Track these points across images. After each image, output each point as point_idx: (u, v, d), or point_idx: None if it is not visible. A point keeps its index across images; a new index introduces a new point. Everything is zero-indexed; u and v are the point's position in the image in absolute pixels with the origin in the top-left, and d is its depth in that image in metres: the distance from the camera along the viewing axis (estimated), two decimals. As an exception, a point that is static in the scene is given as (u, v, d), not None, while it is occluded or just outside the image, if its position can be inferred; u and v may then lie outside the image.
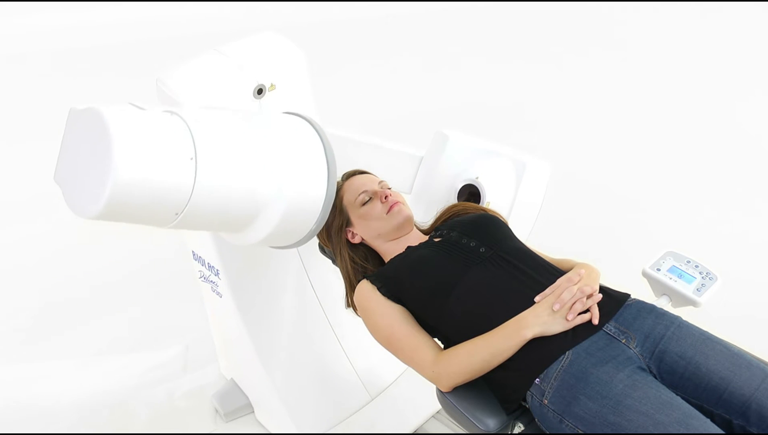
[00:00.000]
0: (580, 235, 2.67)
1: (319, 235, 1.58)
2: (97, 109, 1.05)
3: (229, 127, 1.23)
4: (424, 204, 1.61)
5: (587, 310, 1.22)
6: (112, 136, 1.01)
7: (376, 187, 1.52)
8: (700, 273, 1.43)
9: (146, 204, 1.08)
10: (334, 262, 1.61)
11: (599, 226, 2.77)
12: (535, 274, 1.31)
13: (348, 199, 1.51)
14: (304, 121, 1.37)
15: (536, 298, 1.25)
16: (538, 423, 1.20)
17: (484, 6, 5.11)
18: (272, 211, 1.24)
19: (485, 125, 3.58)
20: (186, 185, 1.11)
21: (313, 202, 1.30)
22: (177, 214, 1.13)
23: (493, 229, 1.43)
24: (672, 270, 1.44)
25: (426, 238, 1.49)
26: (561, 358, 1.17)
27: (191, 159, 1.12)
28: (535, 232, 1.69)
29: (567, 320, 1.20)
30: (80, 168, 1.09)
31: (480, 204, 1.54)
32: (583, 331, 1.20)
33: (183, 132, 1.13)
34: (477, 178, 1.54)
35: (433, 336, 1.34)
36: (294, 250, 1.73)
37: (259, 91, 1.48)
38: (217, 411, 1.96)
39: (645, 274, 1.46)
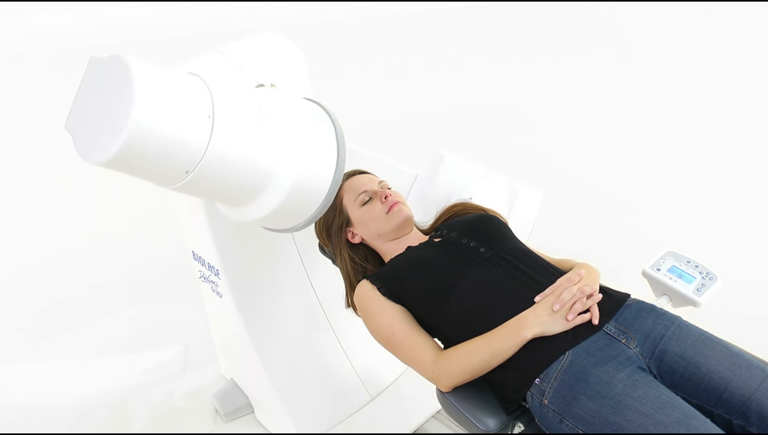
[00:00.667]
0: (581, 235, 2.67)
1: (319, 235, 1.58)
2: (121, 56, 1.05)
3: (248, 97, 1.23)
4: (415, 218, 1.63)
5: (587, 310, 1.22)
6: (134, 82, 1.01)
7: (376, 187, 1.52)
8: (700, 273, 1.43)
9: (159, 155, 1.07)
10: (334, 262, 1.61)
11: (599, 226, 2.77)
12: (535, 274, 1.31)
13: (348, 199, 1.52)
14: (319, 106, 1.37)
15: (536, 298, 1.25)
16: (538, 423, 1.20)
17: (485, 6, 5.11)
18: (279, 186, 1.23)
19: (485, 125, 3.58)
20: (200, 143, 1.11)
21: (319, 184, 1.29)
22: (187, 172, 1.12)
23: (493, 229, 1.43)
24: (672, 270, 1.44)
25: (426, 238, 1.50)
26: (561, 358, 1.17)
27: (209, 117, 1.12)
28: (535, 232, 1.69)
29: (567, 320, 1.20)
30: (96, 115, 1.07)
31: None
32: (583, 331, 1.20)
33: (203, 92, 1.13)
34: (470, 198, 1.57)
35: (433, 336, 1.34)
36: (294, 250, 1.73)
37: (259, 91, 1.48)
38: (217, 411, 1.96)
39: (645, 274, 1.46)
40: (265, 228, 1.41)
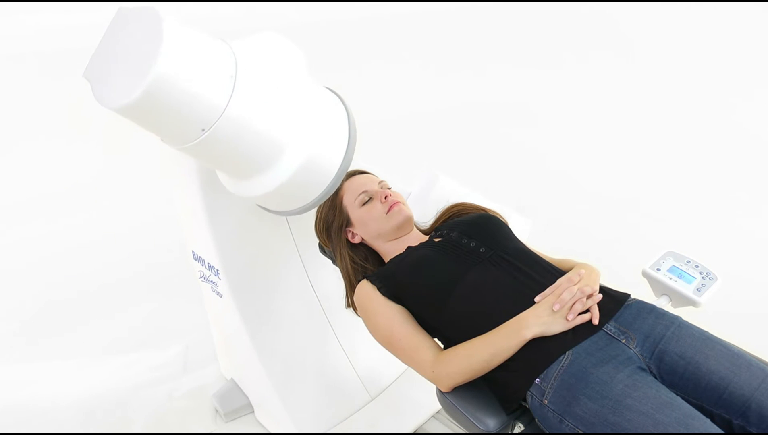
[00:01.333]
0: (581, 235, 2.67)
1: (319, 235, 1.58)
2: (152, 5, 1.06)
3: (270, 69, 1.23)
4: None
5: (587, 310, 1.22)
6: (163, 30, 1.02)
7: (376, 187, 1.52)
8: (700, 273, 1.43)
9: (178, 107, 1.07)
10: (334, 262, 1.61)
11: (599, 226, 2.77)
12: (535, 274, 1.31)
13: (348, 199, 1.52)
14: (335, 95, 1.38)
15: (536, 299, 1.25)
16: (538, 423, 1.20)
17: (485, 6, 5.11)
18: (288, 163, 1.23)
19: (485, 125, 3.58)
20: (220, 103, 1.11)
21: (327, 169, 1.29)
22: (203, 130, 1.12)
23: (494, 229, 1.43)
24: (672, 270, 1.44)
25: (426, 238, 1.50)
26: (561, 358, 1.17)
27: (231, 77, 1.12)
28: (535, 233, 1.69)
29: (567, 320, 1.20)
30: (119, 63, 1.09)
31: None
32: (583, 331, 1.20)
33: (228, 54, 1.14)
34: None
35: (433, 336, 1.34)
36: (294, 250, 1.73)
37: (259, 91, 1.48)
38: (217, 411, 1.96)
39: (645, 274, 1.46)
40: (260, 207, 1.39)
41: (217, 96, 1.11)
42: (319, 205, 1.37)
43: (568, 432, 1.13)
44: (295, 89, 1.26)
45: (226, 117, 1.12)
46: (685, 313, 1.33)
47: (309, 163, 1.24)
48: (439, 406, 1.78)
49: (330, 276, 1.75)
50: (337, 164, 1.29)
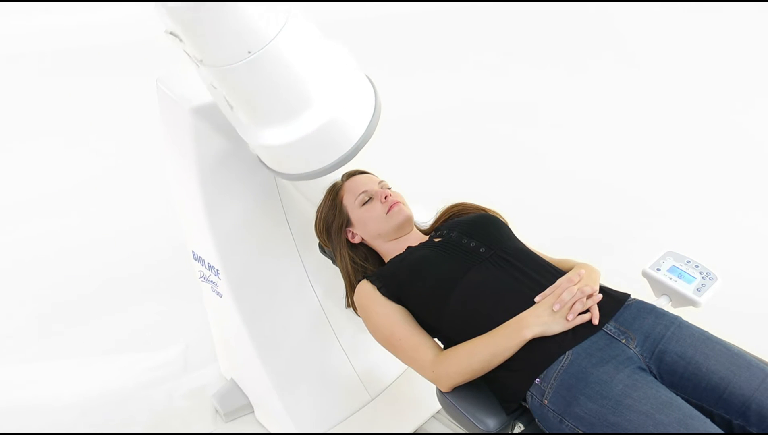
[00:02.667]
0: (581, 234, 2.67)
1: (319, 235, 1.59)
2: None
3: (315, 29, 1.24)
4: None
5: (587, 311, 1.22)
6: None
7: (376, 187, 1.52)
8: (700, 273, 1.43)
9: (232, 21, 1.07)
10: (334, 262, 1.61)
11: (599, 226, 2.77)
12: (536, 274, 1.31)
13: (348, 199, 1.52)
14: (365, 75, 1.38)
15: (536, 299, 1.25)
16: (538, 423, 1.20)
17: (485, 6, 5.11)
18: (314, 117, 1.22)
19: (485, 126, 3.58)
20: (271, 31, 1.12)
21: (350, 134, 1.28)
22: (250, 52, 1.11)
23: (493, 229, 1.43)
24: (672, 270, 1.44)
25: (426, 238, 1.50)
26: (561, 358, 1.17)
27: (286, 12, 1.13)
28: (535, 232, 1.69)
29: (567, 320, 1.20)
30: None
31: None
32: (583, 331, 1.20)
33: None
34: None
35: (434, 336, 1.34)
36: (295, 250, 1.73)
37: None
38: (217, 411, 1.96)
39: (645, 274, 1.46)
40: (270, 169, 1.35)
41: (270, 24, 1.11)
42: (330, 172, 1.33)
43: (568, 432, 1.13)
44: (334, 53, 1.26)
45: (273, 46, 1.12)
46: (685, 313, 1.33)
47: (334, 122, 1.22)
48: (439, 406, 1.78)
49: (330, 276, 1.75)
50: (358, 134, 1.27)
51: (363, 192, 1.50)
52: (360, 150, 1.30)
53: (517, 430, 1.25)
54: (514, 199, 2.63)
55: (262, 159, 1.35)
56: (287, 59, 1.15)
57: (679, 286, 1.41)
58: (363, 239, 1.52)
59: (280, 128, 1.23)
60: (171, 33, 1.13)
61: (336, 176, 1.63)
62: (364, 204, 1.50)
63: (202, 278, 1.74)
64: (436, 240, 1.44)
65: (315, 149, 1.26)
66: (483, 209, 1.56)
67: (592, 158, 3.27)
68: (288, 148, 1.25)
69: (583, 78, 4.11)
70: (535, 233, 1.69)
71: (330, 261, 1.69)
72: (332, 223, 1.52)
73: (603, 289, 1.31)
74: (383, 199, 1.48)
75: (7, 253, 2.77)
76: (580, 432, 1.11)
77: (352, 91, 1.26)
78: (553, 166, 3.20)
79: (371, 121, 1.29)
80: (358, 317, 1.45)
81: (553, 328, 1.20)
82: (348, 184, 1.54)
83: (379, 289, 1.37)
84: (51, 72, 4.45)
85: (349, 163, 1.62)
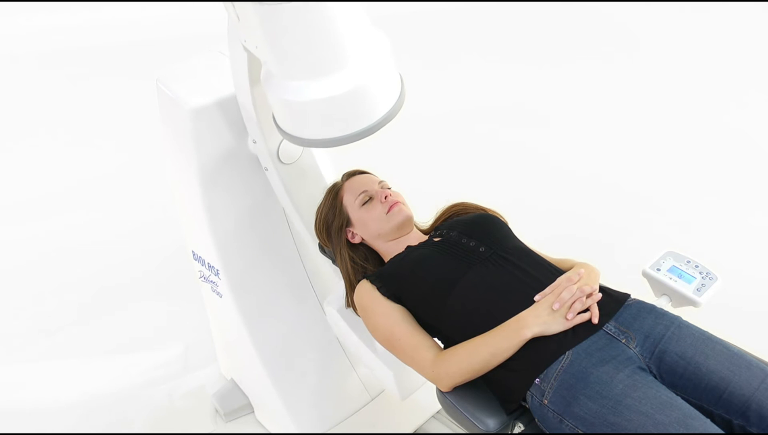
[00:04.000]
0: (580, 234, 2.67)
1: (319, 235, 1.58)
2: None
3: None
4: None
5: (587, 310, 1.22)
6: None
7: (377, 187, 1.52)
8: (700, 273, 1.43)
9: None
10: (334, 262, 1.61)
11: (599, 226, 2.77)
12: (535, 273, 1.31)
13: (348, 199, 1.52)
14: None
15: (536, 298, 1.25)
16: (538, 423, 1.20)
17: (485, 6, 5.11)
18: (346, 78, 1.18)
19: (484, 125, 3.58)
20: None
21: (372, 109, 1.24)
22: None
23: (493, 228, 1.43)
24: (672, 270, 1.44)
25: (426, 237, 1.50)
26: (561, 358, 1.17)
27: None
28: (535, 232, 1.69)
29: (567, 320, 1.20)
30: None
31: None
32: (583, 330, 1.20)
33: None
34: None
35: (433, 336, 1.34)
36: (294, 249, 1.73)
37: (259, 91, 1.48)
38: (217, 411, 1.96)
39: (645, 274, 1.46)
40: (283, 131, 1.31)
41: None
42: (345, 144, 1.28)
43: (568, 432, 1.13)
44: (374, 30, 1.24)
45: None
46: (685, 313, 1.33)
47: (362, 90, 1.19)
48: (439, 406, 1.78)
49: (330, 276, 1.75)
50: (381, 113, 1.24)
51: (363, 192, 1.50)
52: (379, 128, 1.26)
53: (517, 430, 1.25)
54: (514, 199, 2.63)
55: (280, 119, 1.30)
56: (330, 7, 1.12)
57: (679, 286, 1.41)
58: (363, 239, 1.52)
59: (309, 82, 1.19)
60: None
61: (336, 176, 1.63)
62: (364, 204, 1.50)
63: (202, 278, 1.74)
64: (436, 239, 1.44)
65: (339, 113, 1.22)
66: (483, 209, 1.56)
67: (592, 158, 3.27)
68: (312, 106, 1.20)
69: (583, 77, 4.11)
70: (534, 232, 1.69)
71: (330, 261, 1.69)
72: (332, 223, 1.52)
73: (603, 289, 1.31)
74: (383, 199, 1.48)
75: (7, 253, 2.77)
76: (580, 432, 1.11)
77: (385, 67, 1.24)
78: (553, 166, 3.19)
79: (396, 103, 1.27)
80: (358, 317, 1.45)
81: (552, 327, 1.19)
82: (348, 184, 1.54)
83: (378, 288, 1.37)
84: (51, 72, 4.44)
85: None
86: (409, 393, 1.65)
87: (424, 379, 1.44)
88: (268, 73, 1.23)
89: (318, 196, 1.57)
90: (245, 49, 1.27)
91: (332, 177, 1.64)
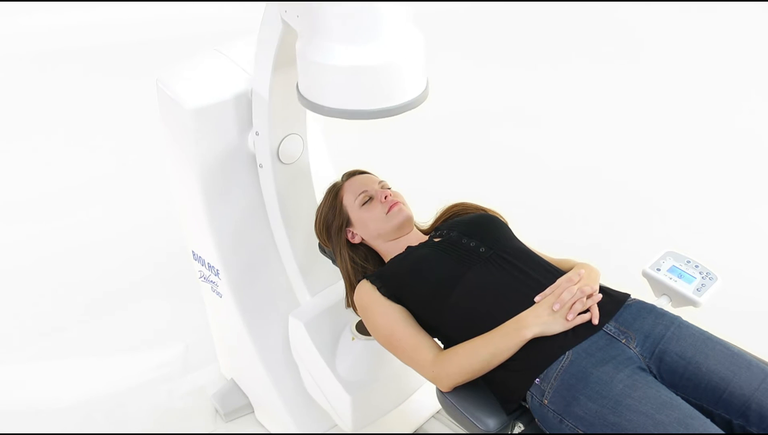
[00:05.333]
0: (580, 234, 2.67)
1: (319, 235, 1.59)
2: None
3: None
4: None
5: (587, 310, 1.22)
6: None
7: (377, 187, 1.52)
8: (700, 273, 1.43)
9: None
10: (334, 262, 1.61)
11: (599, 226, 2.77)
12: (535, 274, 1.31)
13: (348, 199, 1.52)
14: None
15: (536, 298, 1.25)
16: (538, 423, 1.20)
17: (485, 6, 5.11)
18: (380, 51, 1.18)
19: (485, 125, 3.58)
20: None
21: (395, 91, 1.22)
22: None
23: (493, 228, 1.43)
24: (672, 270, 1.44)
25: (426, 238, 1.50)
26: (561, 358, 1.17)
27: None
28: (535, 232, 1.69)
29: (567, 320, 1.20)
30: None
31: None
32: (583, 331, 1.20)
33: None
34: None
35: (433, 336, 1.34)
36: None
37: (259, 91, 1.48)
38: (217, 411, 1.96)
39: (645, 274, 1.46)
40: (304, 98, 1.29)
41: None
42: (360, 118, 1.26)
43: (568, 432, 1.13)
44: (413, 26, 1.24)
45: None
46: (685, 313, 1.33)
47: (396, 67, 1.19)
48: (439, 406, 1.78)
49: (330, 276, 1.75)
50: (403, 98, 1.22)
51: (363, 192, 1.50)
52: (398, 112, 1.24)
53: (517, 430, 1.25)
54: (514, 199, 2.63)
55: (306, 86, 1.28)
56: None
57: (679, 286, 1.41)
58: (363, 239, 1.52)
59: (346, 48, 1.18)
60: None
61: (336, 176, 1.63)
62: (364, 204, 1.50)
63: (202, 278, 1.74)
64: (436, 240, 1.44)
65: (367, 84, 1.21)
66: (483, 209, 1.56)
67: (592, 158, 3.27)
68: (343, 71, 1.19)
69: (584, 77, 4.11)
70: (534, 233, 1.69)
71: (330, 261, 1.69)
72: (332, 223, 1.52)
73: (603, 289, 1.31)
74: (383, 199, 1.48)
75: (5, 253, 2.77)
76: (580, 432, 1.11)
77: (418, 57, 1.24)
78: (553, 166, 3.19)
79: (420, 94, 1.26)
80: (358, 317, 1.45)
81: (552, 327, 1.20)
82: (348, 184, 1.54)
83: (379, 289, 1.37)
84: (51, 72, 4.44)
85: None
86: (362, 425, 1.63)
87: (410, 393, 1.42)
88: (304, 42, 1.23)
89: (304, 203, 1.57)
90: (283, 21, 1.27)
91: (329, 179, 1.64)
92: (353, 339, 1.64)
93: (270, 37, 1.33)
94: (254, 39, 1.46)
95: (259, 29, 1.35)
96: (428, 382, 1.31)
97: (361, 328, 1.66)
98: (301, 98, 1.27)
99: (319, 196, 1.61)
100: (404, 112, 1.24)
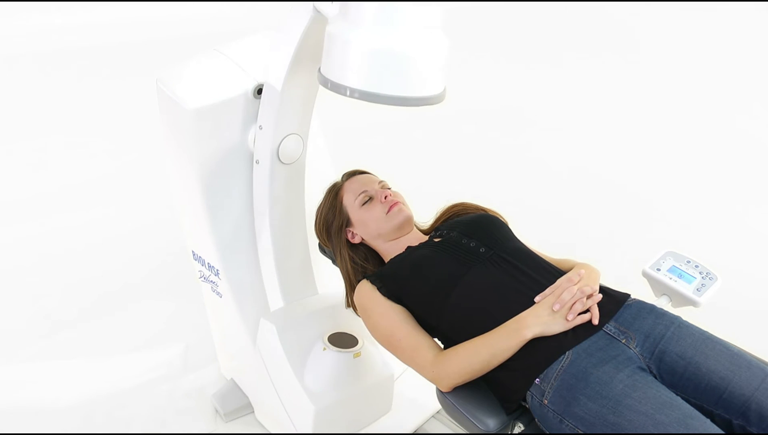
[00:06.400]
0: (580, 234, 2.67)
1: (319, 235, 1.58)
2: None
3: None
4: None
5: (587, 310, 1.22)
6: None
7: (377, 187, 1.52)
8: (700, 273, 1.43)
9: None
10: (334, 262, 1.61)
11: (599, 226, 2.77)
12: (535, 274, 1.31)
13: (348, 199, 1.52)
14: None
15: (536, 299, 1.25)
16: (538, 423, 1.20)
17: (484, 6, 5.11)
18: (401, 36, 1.18)
19: (485, 125, 3.58)
20: None
21: (421, 83, 1.22)
22: None
23: (493, 229, 1.43)
24: (672, 270, 1.44)
25: (426, 238, 1.50)
26: (561, 358, 1.17)
27: None
28: (535, 232, 1.69)
29: (567, 320, 1.20)
30: None
31: None
32: (583, 331, 1.20)
33: None
34: None
35: (434, 336, 1.34)
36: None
37: (259, 91, 1.48)
38: (217, 411, 1.96)
39: (645, 274, 1.46)
40: (325, 78, 1.27)
41: None
42: (378, 102, 1.23)
43: (568, 432, 1.13)
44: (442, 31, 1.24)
45: None
46: (685, 313, 1.33)
47: (419, 58, 1.19)
48: (439, 406, 1.78)
49: (330, 276, 1.75)
50: (424, 91, 1.22)
51: (363, 192, 1.50)
52: (415, 104, 1.23)
53: (517, 430, 1.25)
54: (514, 199, 2.63)
55: (328, 66, 1.26)
56: None
57: (679, 286, 1.41)
58: (363, 239, 1.52)
59: (377, 30, 1.19)
60: None
61: (336, 176, 1.63)
62: (364, 204, 1.50)
63: (202, 278, 1.74)
64: (436, 240, 1.44)
65: (393, 68, 1.20)
66: (483, 209, 1.56)
67: (592, 158, 3.27)
68: (370, 52, 1.19)
69: (584, 78, 4.11)
70: (535, 233, 1.69)
71: (330, 261, 1.69)
72: (332, 223, 1.52)
73: (603, 289, 1.31)
74: (383, 199, 1.48)
75: (7, 253, 2.77)
76: (580, 432, 1.11)
77: (443, 55, 1.24)
78: (553, 166, 3.20)
79: (438, 94, 1.25)
80: (358, 317, 1.45)
81: (552, 328, 1.20)
82: (348, 184, 1.54)
83: (379, 289, 1.37)
84: (51, 72, 4.44)
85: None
86: None
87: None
88: (335, 25, 1.24)
89: (293, 207, 1.57)
90: (315, 10, 1.28)
91: (329, 179, 1.63)
92: (324, 349, 1.62)
93: (295, 28, 1.32)
94: (254, 39, 1.46)
95: (285, 20, 1.35)
96: (427, 382, 1.31)
97: (334, 341, 1.65)
98: (323, 79, 1.26)
99: (311, 201, 1.61)
100: (421, 105, 1.23)
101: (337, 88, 1.24)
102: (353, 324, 1.69)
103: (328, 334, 1.66)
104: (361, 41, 1.18)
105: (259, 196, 1.58)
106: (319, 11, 1.28)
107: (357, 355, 1.63)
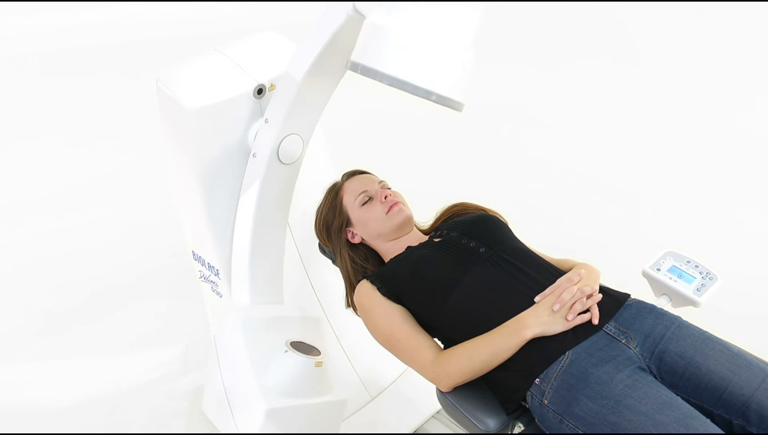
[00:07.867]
0: (580, 235, 2.67)
1: (319, 235, 1.58)
2: None
3: None
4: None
5: (587, 310, 1.22)
6: None
7: (376, 187, 1.52)
8: (700, 273, 1.43)
9: None
10: (334, 262, 1.61)
11: (599, 226, 2.77)
12: (535, 274, 1.31)
13: (348, 199, 1.52)
14: None
15: (536, 299, 1.25)
16: (538, 423, 1.20)
17: (484, 6, 5.11)
18: (447, 40, 1.20)
19: (485, 125, 3.58)
20: None
21: (450, 81, 1.22)
22: None
23: (493, 229, 1.43)
24: (672, 270, 1.44)
25: (426, 238, 1.50)
26: (561, 358, 1.17)
27: None
28: (535, 232, 1.69)
29: (567, 320, 1.20)
30: None
31: None
32: (583, 331, 1.20)
33: None
34: None
35: (433, 336, 1.34)
36: (294, 249, 1.73)
37: (259, 91, 1.48)
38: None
39: (645, 274, 1.46)
40: (355, 63, 1.25)
41: None
42: (404, 90, 1.21)
43: (568, 432, 1.13)
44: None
45: None
46: (685, 313, 1.33)
47: (450, 57, 1.20)
48: (439, 406, 1.78)
49: (330, 276, 1.75)
50: (450, 91, 1.21)
51: (363, 192, 1.50)
52: (435, 99, 1.21)
53: (517, 430, 1.25)
54: (514, 199, 2.63)
55: (361, 51, 1.25)
56: None
57: (679, 286, 1.41)
58: (363, 239, 1.52)
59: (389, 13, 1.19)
60: None
61: (336, 176, 1.63)
62: (363, 204, 1.50)
63: (202, 278, 1.74)
64: (436, 240, 1.44)
65: (421, 59, 1.20)
66: (483, 209, 1.56)
67: (592, 158, 3.27)
68: (382, 30, 1.19)
69: (582, 77, 4.11)
70: (534, 233, 1.69)
71: (330, 261, 1.69)
72: (332, 223, 1.52)
73: (603, 289, 1.31)
74: (383, 199, 1.48)
75: (7, 253, 2.77)
76: (580, 432, 1.11)
77: (472, 64, 1.25)
78: (553, 166, 3.20)
79: (459, 99, 1.25)
80: (358, 317, 1.45)
81: (552, 328, 1.20)
82: (348, 184, 1.54)
83: (379, 289, 1.37)
84: (51, 72, 4.44)
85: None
86: None
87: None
88: (378, 15, 1.23)
89: (278, 210, 1.56)
90: (356, 11, 1.28)
91: (329, 179, 1.63)
92: (286, 352, 1.56)
93: (328, 25, 1.31)
94: (254, 39, 1.45)
95: (321, 15, 1.34)
96: (427, 382, 1.31)
97: (297, 347, 1.59)
98: (353, 65, 1.25)
99: (311, 201, 1.60)
100: (444, 105, 1.22)
101: (369, 72, 1.22)
102: (316, 338, 1.63)
103: (292, 341, 1.61)
104: (405, 32, 1.18)
105: (249, 191, 1.54)
106: (358, 11, 1.28)
107: (319, 364, 1.55)
